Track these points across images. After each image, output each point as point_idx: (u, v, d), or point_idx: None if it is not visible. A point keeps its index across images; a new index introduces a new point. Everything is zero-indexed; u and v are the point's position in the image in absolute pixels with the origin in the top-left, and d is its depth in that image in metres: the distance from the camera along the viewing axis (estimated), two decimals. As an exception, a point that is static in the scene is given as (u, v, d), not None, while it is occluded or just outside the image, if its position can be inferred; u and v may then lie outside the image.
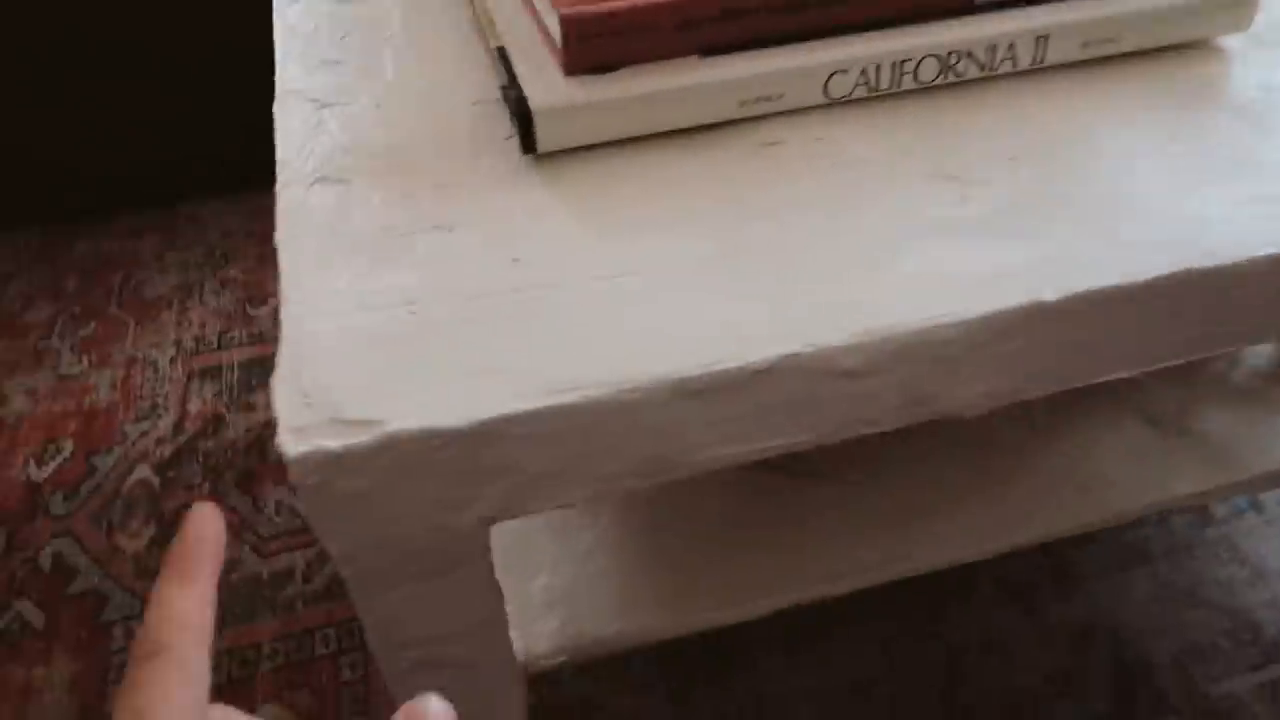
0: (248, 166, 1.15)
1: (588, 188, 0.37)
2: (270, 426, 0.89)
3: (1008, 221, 0.35)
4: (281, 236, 0.35)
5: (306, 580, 0.77)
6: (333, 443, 0.28)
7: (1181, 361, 0.36)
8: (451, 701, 0.37)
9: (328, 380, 0.30)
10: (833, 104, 0.40)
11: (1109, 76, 0.42)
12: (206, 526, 0.26)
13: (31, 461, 0.87)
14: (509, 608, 0.50)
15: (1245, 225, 0.34)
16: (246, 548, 0.79)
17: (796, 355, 0.30)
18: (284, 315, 0.32)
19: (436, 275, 0.33)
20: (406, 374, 0.30)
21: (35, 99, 1.05)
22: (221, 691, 0.70)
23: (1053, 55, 0.41)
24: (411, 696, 0.38)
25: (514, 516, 0.32)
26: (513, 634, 0.48)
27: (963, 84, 0.41)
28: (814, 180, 0.37)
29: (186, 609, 0.24)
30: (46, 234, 1.13)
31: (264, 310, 1.02)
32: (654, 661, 0.69)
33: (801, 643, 0.70)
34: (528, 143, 0.38)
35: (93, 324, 1.01)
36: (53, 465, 0.87)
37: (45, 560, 0.79)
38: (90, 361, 0.97)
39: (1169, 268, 0.33)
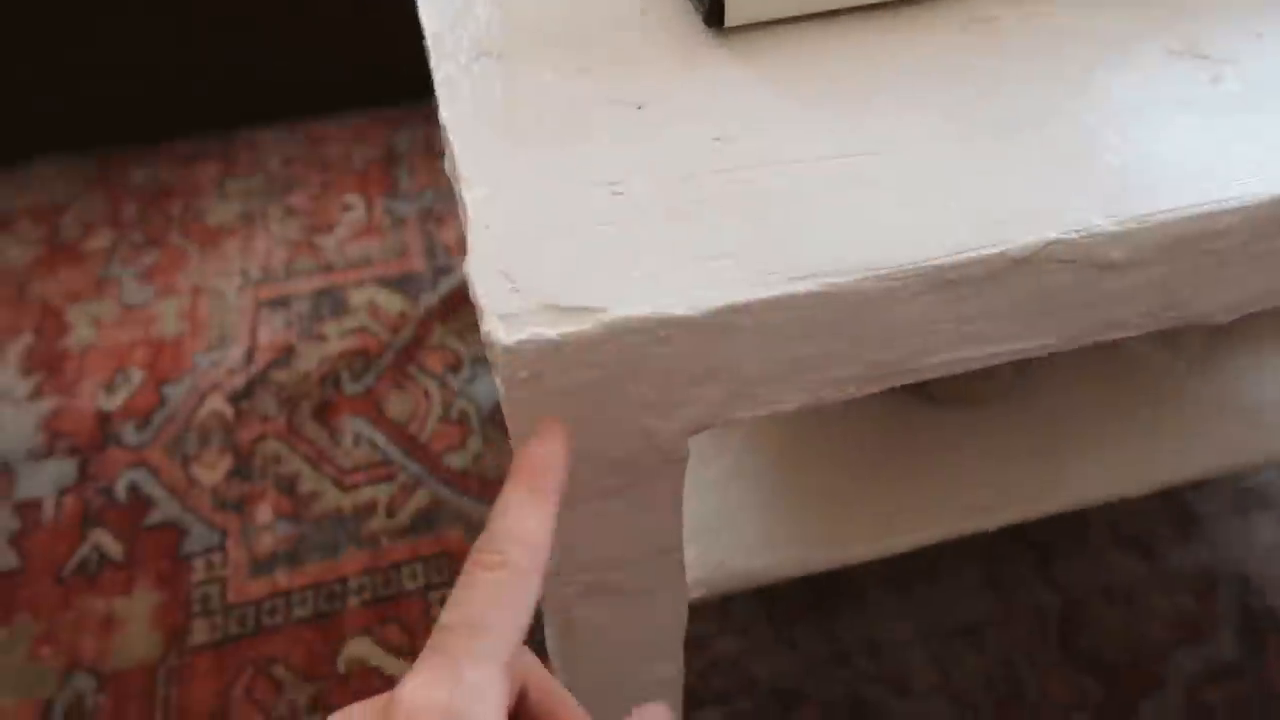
0: (306, 92, 1.11)
1: (784, 63, 0.33)
2: (345, 357, 0.86)
3: (1269, 100, 0.31)
4: (448, 114, 0.32)
5: (390, 514, 0.74)
6: (550, 331, 0.25)
7: None
8: (616, 633, 0.34)
9: (533, 264, 0.26)
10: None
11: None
12: (556, 442, 0.25)
13: (101, 391, 0.85)
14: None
15: None
16: (327, 480, 0.77)
17: (1060, 242, 0.27)
18: (467, 197, 0.29)
19: (634, 153, 0.30)
20: (621, 258, 0.27)
21: (86, 20, 1.01)
22: (310, 627, 0.68)
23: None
24: (571, 625, 0.36)
25: (722, 425, 0.29)
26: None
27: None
28: (1039, 57, 0.33)
29: (532, 527, 0.23)
30: (100, 161, 1.10)
31: (330, 239, 0.98)
32: (756, 601, 0.67)
33: (908, 585, 0.67)
34: (714, 12, 0.34)
35: (155, 252, 0.98)
36: (123, 395, 0.84)
37: (121, 491, 0.77)
38: (155, 291, 0.94)
39: None
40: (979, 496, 0.48)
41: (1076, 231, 0.27)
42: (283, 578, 0.71)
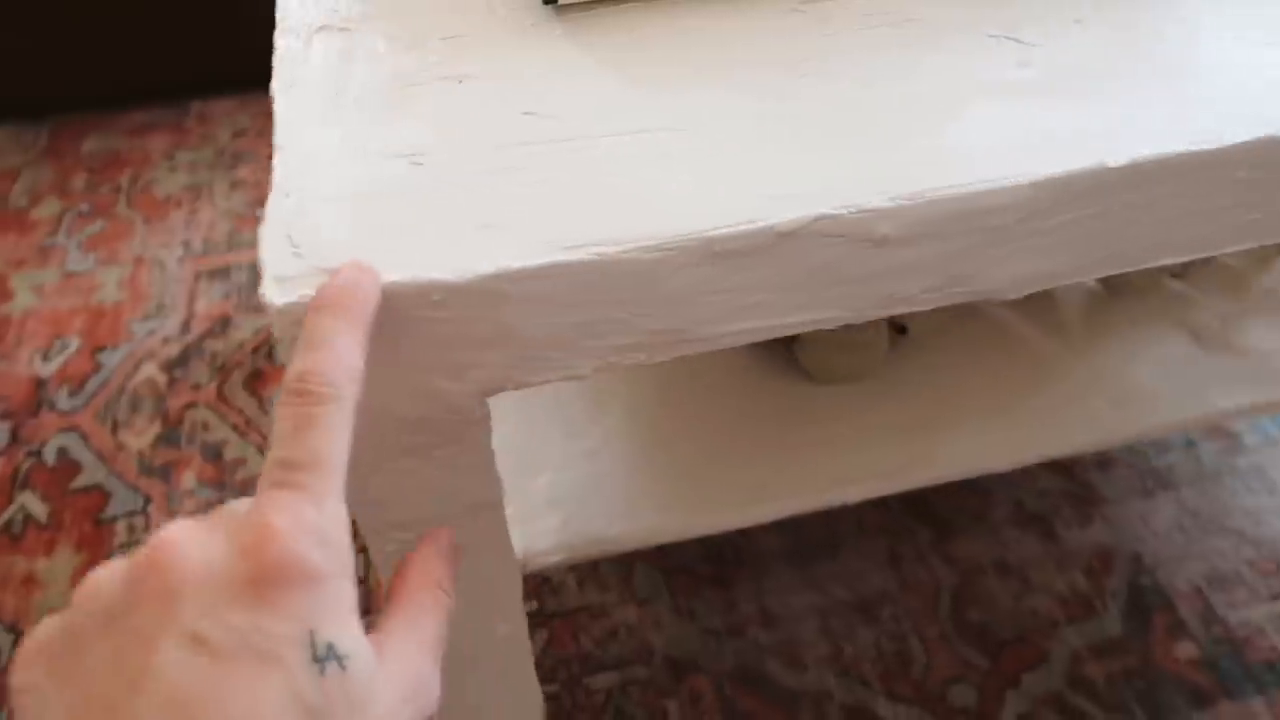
0: (260, 64, 1.12)
1: (613, 42, 0.34)
2: (277, 328, 0.87)
3: (1069, 84, 0.32)
4: (276, 85, 0.33)
5: (312, 482, 0.76)
6: (321, 293, 0.26)
7: (1253, 246, 0.33)
8: (444, 591, 0.35)
9: (319, 231, 0.28)
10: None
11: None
12: (365, 273, 0.25)
13: (37, 357, 0.86)
14: (509, 505, 0.48)
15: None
16: (252, 448, 0.78)
17: (827, 218, 0.28)
18: (276, 164, 0.30)
19: (443, 127, 0.31)
20: (405, 227, 0.28)
21: (39, -13, 1.01)
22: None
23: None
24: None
25: (516, 388, 0.30)
26: (512, 531, 0.47)
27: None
28: (860, 38, 0.34)
29: (355, 359, 0.23)
30: (52, 130, 1.10)
31: (273, 212, 0.99)
32: (659, 572, 0.68)
33: (809, 558, 0.69)
34: (544, -6, 0.35)
35: (101, 222, 0.99)
36: (59, 361, 0.85)
37: (50, 454, 0.78)
38: (98, 259, 0.95)
39: (1246, 135, 0.30)
40: (844, 469, 0.49)
41: (845, 207, 0.28)
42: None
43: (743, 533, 0.70)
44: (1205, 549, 0.69)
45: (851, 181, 0.29)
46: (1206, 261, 0.59)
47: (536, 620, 0.66)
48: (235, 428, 0.79)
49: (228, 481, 0.76)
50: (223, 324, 0.88)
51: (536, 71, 0.33)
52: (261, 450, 0.78)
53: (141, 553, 0.21)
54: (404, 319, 0.27)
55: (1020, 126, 0.30)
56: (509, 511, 0.48)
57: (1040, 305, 0.57)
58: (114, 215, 1.00)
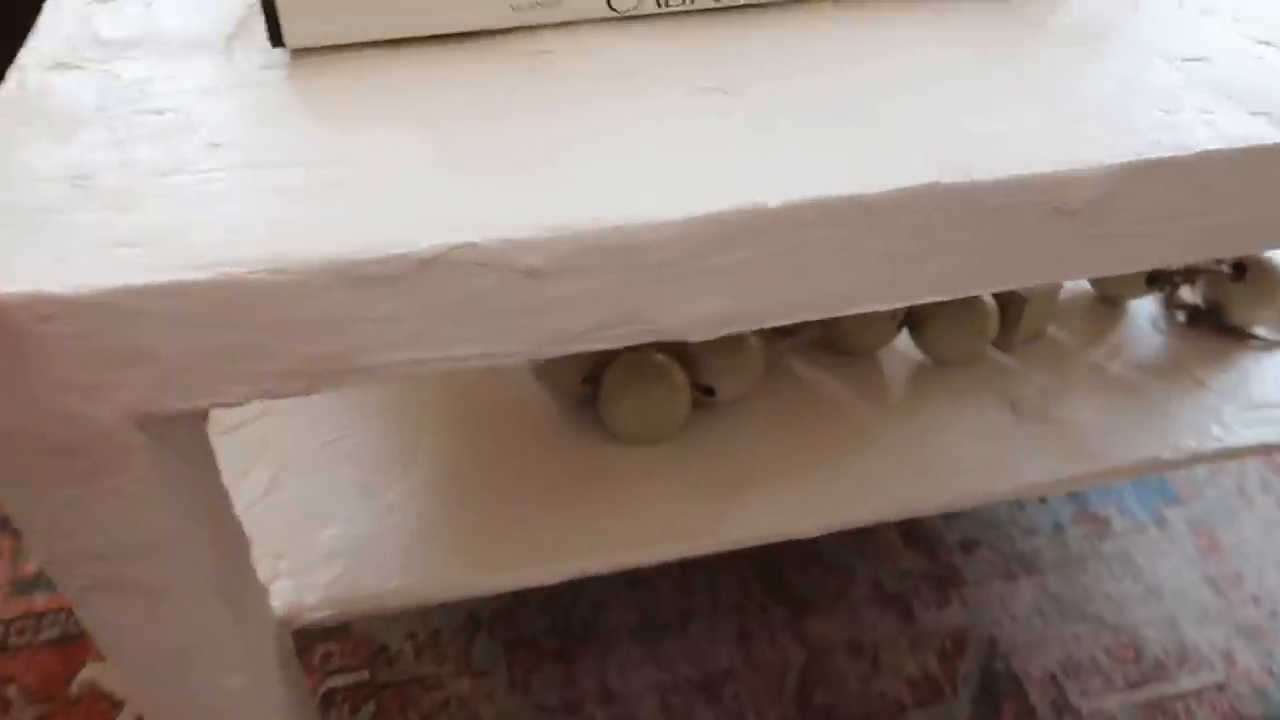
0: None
1: (331, 84, 0.34)
2: None
3: (763, 133, 0.32)
4: (-17, 113, 0.33)
5: None
6: (-76, 302, 0.26)
7: (939, 299, 0.33)
8: (149, 636, 0.34)
9: (-49, 244, 0.27)
10: (618, 18, 0.38)
11: (929, 7, 0.39)
12: None
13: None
14: (287, 557, 0.47)
15: (1020, 144, 0.31)
16: None
17: (466, 246, 0.28)
18: (-58, 184, 0.30)
19: (123, 151, 0.31)
20: (41, 243, 0.27)
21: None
22: (52, 649, 0.67)
23: (859, -17, 0.39)
24: (102, 623, 0.36)
25: (166, 413, 0.29)
26: (283, 584, 0.45)
27: (773, 4, 0.39)
28: (569, 88, 0.34)
29: None
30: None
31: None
32: (500, 644, 0.66)
33: (658, 634, 0.67)
34: (274, 34, 0.35)
35: None
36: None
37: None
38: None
39: (910, 180, 0.30)
40: (639, 531, 0.48)
41: (485, 237, 0.28)
42: (40, 600, 0.70)
43: (594, 605, 0.68)
44: (1063, 635, 0.67)
45: (502, 213, 0.29)
46: (1036, 335, 0.58)
47: (367, 691, 0.63)
48: None
49: (79, 540, 0.74)
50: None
51: (240, 108, 0.33)
52: None
53: None
54: (21, 334, 0.26)
55: (694, 168, 0.30)
56: (283, 564, 0.47)
57: (861, 372, 0.56)
58: None
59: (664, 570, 0.71)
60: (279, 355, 0.29)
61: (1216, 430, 0.53)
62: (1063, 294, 0.61)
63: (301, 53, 0.36)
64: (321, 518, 0.48)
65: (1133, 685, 0.63)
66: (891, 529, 0.73)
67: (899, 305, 0.33)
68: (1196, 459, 0.53)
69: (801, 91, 0.34)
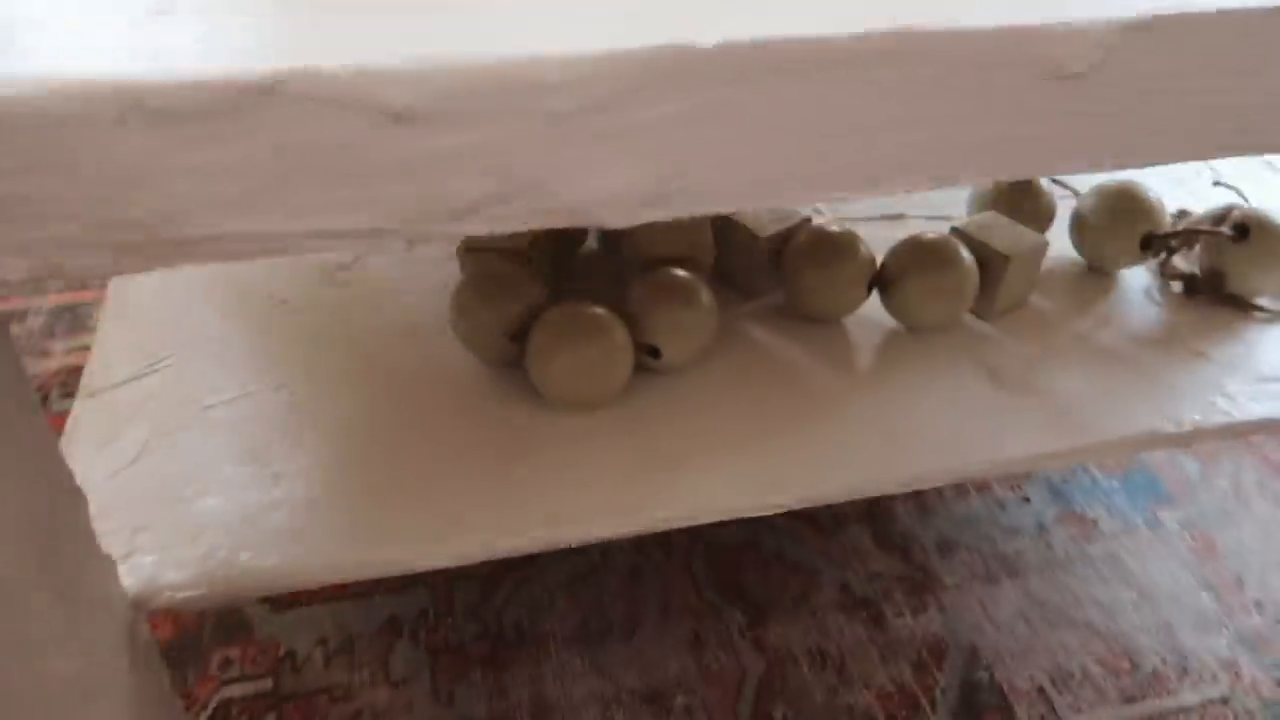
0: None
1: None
2: (61, 375, 0.79)
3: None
4: None
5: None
6: None
7: (911, 186, 0.27)
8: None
9: None
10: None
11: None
12: None
13: None
14: (152, 529, 0.40)
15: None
16: None
17: (312, 74, 0.21)
18: None
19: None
20: None
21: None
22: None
23: None
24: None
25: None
26: (142, 559, 0.39)
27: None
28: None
29: None
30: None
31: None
32: (424, 650, 0.59)
33: (600, 641, 0.60)
34: None
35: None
36: None
37: None
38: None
39: (880, 25, 0.24)
40: (565, 505, 0.42)
41: (342, 64, 0.22)
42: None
43: (529, 607, 0.61)
44: (1050, 643, 0.60)
45: (365, 43, 0.22)
46: (1018, 304, 0.53)
47: (267, 702, 0.56)
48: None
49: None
50: None
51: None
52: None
53: None
54: None
55: (601, 6, 0.25)
56: (143, 537, 0.40)
57: (827, 339, 0.50)
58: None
59: (608, 567, 0.64)
60: (66, 216, 0.22)
61: (1221, 403, 0.48)
62: (1047, 262, 0.56)
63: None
64: (196, 487, 0.42)
65: (1128, 699, 0.57)
66: (860, 526, 0.67)
67: (861, 193, 0.27)
68: (1200, 434, 0.47)
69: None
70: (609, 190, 0.25)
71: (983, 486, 0.71)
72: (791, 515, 0.68)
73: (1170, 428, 0.46)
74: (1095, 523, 0.68)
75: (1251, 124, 0.29)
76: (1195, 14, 0.26)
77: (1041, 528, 0.68)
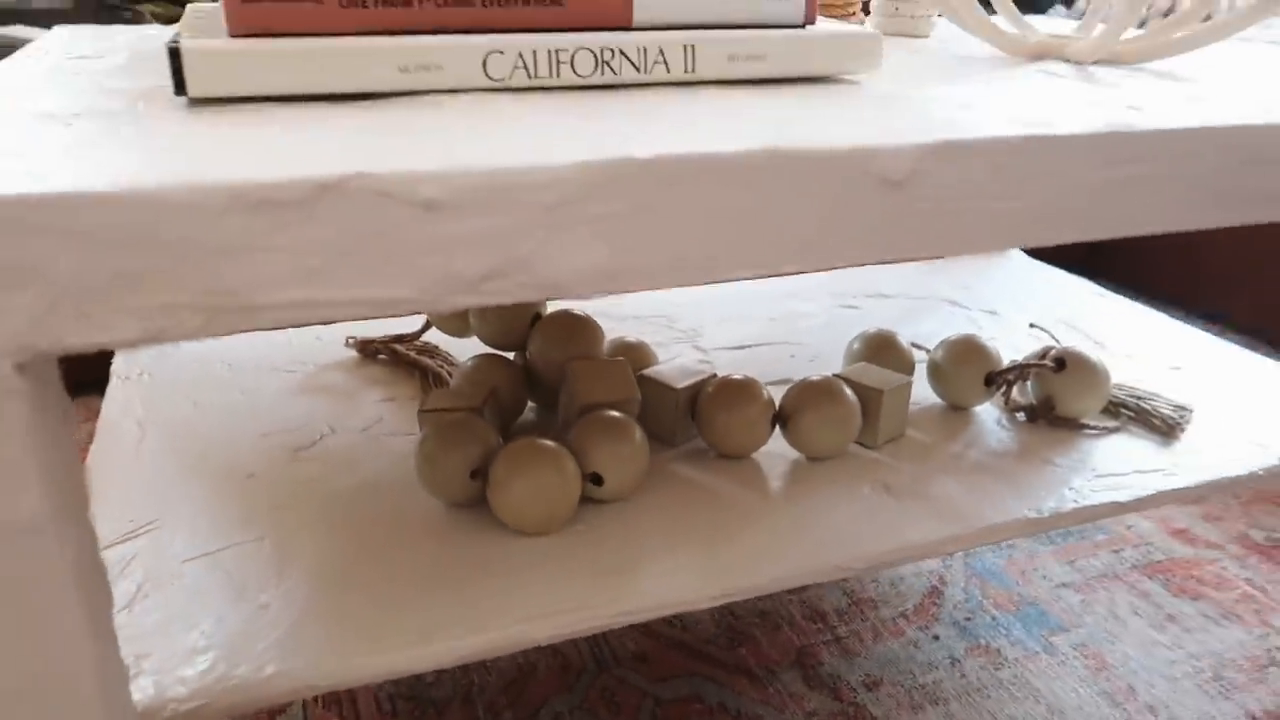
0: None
1: (228, 111, 0.37)
2: None
3: (636, 119, 0.36)
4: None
5: None
6: None
7: (796, 268, 0.37)
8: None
9: None
10: (495, 88, 0.43)
11: (754, 91, 0.46)
12: None
13: None
14: (154, 655, 0.43)
15: (845, 130, 0.37)
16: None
17: (368, 174, 0.30)
18: None
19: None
20: (-62, 172, 0.28)
21: None
22: None
23: (702, 67, 0.46)
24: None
25: (51, 350, 0.29)
26: (145, 679, 0.41)
27: (623, 87, 0.45)
28: (457, 106, 0.38)
29: None
30: None
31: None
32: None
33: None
34: (178, 83, 0.39)
35: None
36: None
37: None
38: None
39: (752, 145, 0.34)
40: (527, 610, 0.46)
41: (389, 166, 0.30)
42: None
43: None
44: (978, 759, 0.65)
45: (402, 151, 0.31)
46: (896, 436, 0.62)
47: None
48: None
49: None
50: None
51: (145, 106, 0.36)
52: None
53: None
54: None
55: (579, 131, 0.34)
56: (147, 662, 0.43)
57: (742, 471, 0.58)
58: None
59: (560, 737, 0.66)
60: (177, 285, 0.29)
61: (1070, 495, 0.57)
62: (914, 405, 0.66)
63: (203, 102, 0.40)
64: (189, 621, 0.45)
65: (1054, 798, 0.61)
66: (792, 672, 0.71)
67: (757, 274, 0.36)
68: (1058, 519, 0.56)
69: (670, 114, 0.39)
70: (576, 268, 0.33)
71: (896, 632, 0.77)
72: (729, 670, 0.72)
73: (1035, 514, 0.55)
74: (999, 651, 0.74)
75: (1023, 224, 0.40)
76: (975, 140, 0.38)
77: (954, 660, 0.73)
